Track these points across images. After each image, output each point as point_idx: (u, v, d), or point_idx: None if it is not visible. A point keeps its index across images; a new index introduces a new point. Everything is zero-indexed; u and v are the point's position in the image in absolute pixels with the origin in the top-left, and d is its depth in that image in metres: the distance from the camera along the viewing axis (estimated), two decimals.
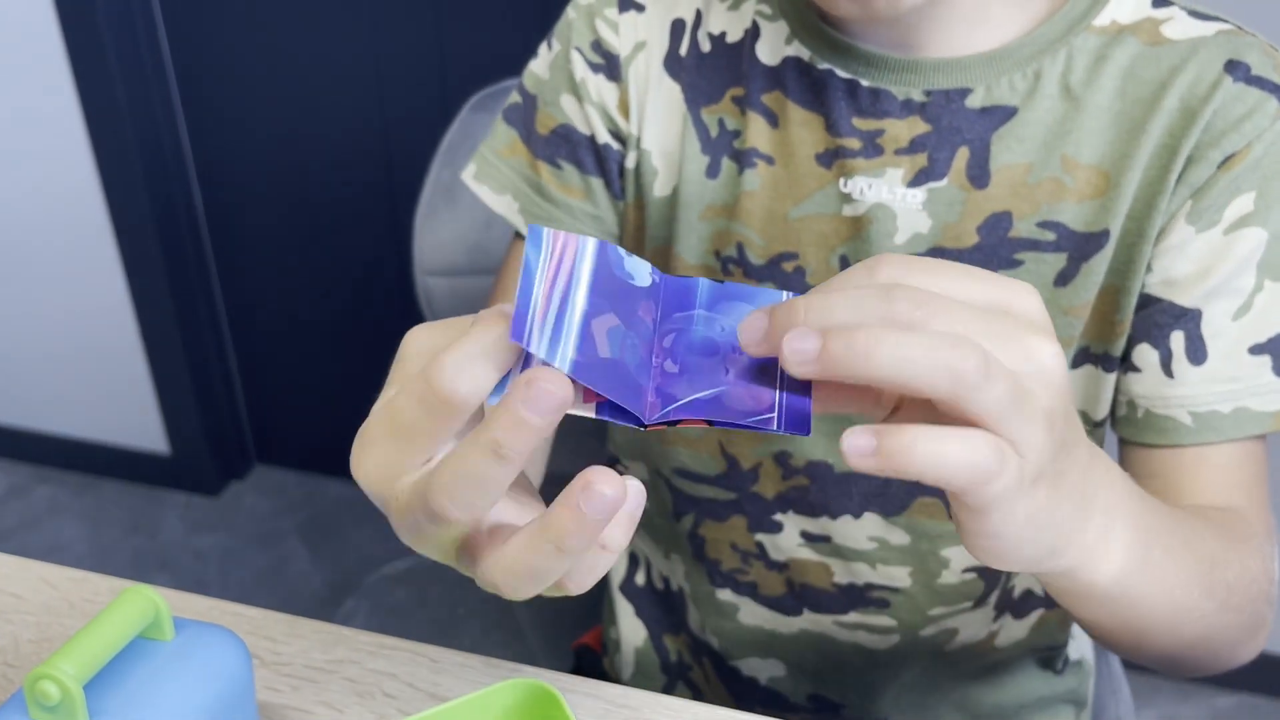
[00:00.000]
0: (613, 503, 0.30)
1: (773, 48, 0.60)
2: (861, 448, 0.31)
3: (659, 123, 0.62)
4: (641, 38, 0.63)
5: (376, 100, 1.53)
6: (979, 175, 0.56)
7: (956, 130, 0.56)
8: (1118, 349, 0.57)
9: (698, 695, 0.74)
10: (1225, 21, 0.56)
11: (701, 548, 0.67)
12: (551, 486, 1.06)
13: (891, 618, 0.64)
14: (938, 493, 0.60)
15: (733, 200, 0.60)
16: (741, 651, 0.68)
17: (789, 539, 0.64)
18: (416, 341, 0.36)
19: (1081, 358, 0.58)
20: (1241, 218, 0.54)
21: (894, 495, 0.61)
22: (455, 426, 0.33)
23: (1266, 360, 0.55)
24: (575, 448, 1.00)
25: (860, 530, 0.62)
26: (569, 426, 0.96)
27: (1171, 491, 0.57)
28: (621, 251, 0.36)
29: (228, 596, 1.68)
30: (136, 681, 0.44)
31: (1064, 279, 0.56)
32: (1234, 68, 0.53)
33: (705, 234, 0.61)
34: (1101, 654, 0.82)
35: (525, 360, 0.33)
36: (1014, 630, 0.66)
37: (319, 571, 1.75)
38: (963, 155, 0.56)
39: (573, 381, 0.32)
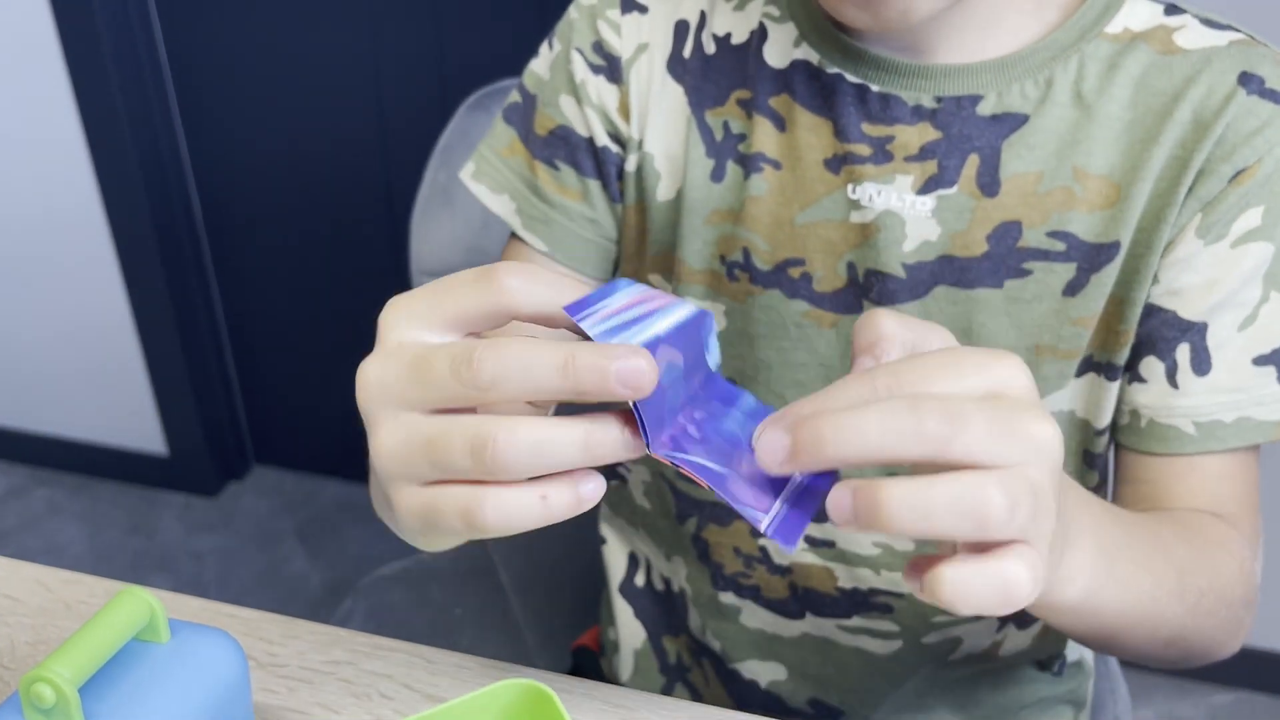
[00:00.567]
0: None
1: (781, 50, 0.59)
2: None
3: (662, 126, 0.61)
4: (644, 39, 0.62)
5: (375, 102, 1.53)
6: (989, 183, 0.55)
7: (967, 137, 0.55)
8: (1121, 358, 0.57)
9: (696, 697, 0.74)
10: (1238, 31, 0.55)
11: (705, 551, 0.67)
12: None
13: (894, 623, 0.64)
14: None
15: (738, 205, 0.60)
16: (742, 654, 0.68)
17: None
18: (396, 310, 0.36)
19: (1085, 366, 0.58)
20: (1249, 231, 0.54)
21: None
22: (495, 320, 0.35)
23: (1271, 371, 0.55)
24: None
25: (865, 535, 0.62)
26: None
27: (1163, 496, 0.57)
28: (714, 325, 0.38)
29: (226, 597, 1.68)
30: (132, 684, 0.44)
31: (1073, 289, 0.56)
32: (1248, 80, 0.53)
33: (710, 239, 0.61)
34: (1100, 655, 0.82)
35: None
36: (1018, 640, 0.66)
37: (317, 572, 1.75)
38: (973, 163, 0.55)
39: None
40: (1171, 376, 0.56)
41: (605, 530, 0.76)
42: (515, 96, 0.66)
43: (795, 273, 0.59)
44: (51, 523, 1.86)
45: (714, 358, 0.38)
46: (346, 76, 1.52)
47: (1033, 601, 0.33)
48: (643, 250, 0.65)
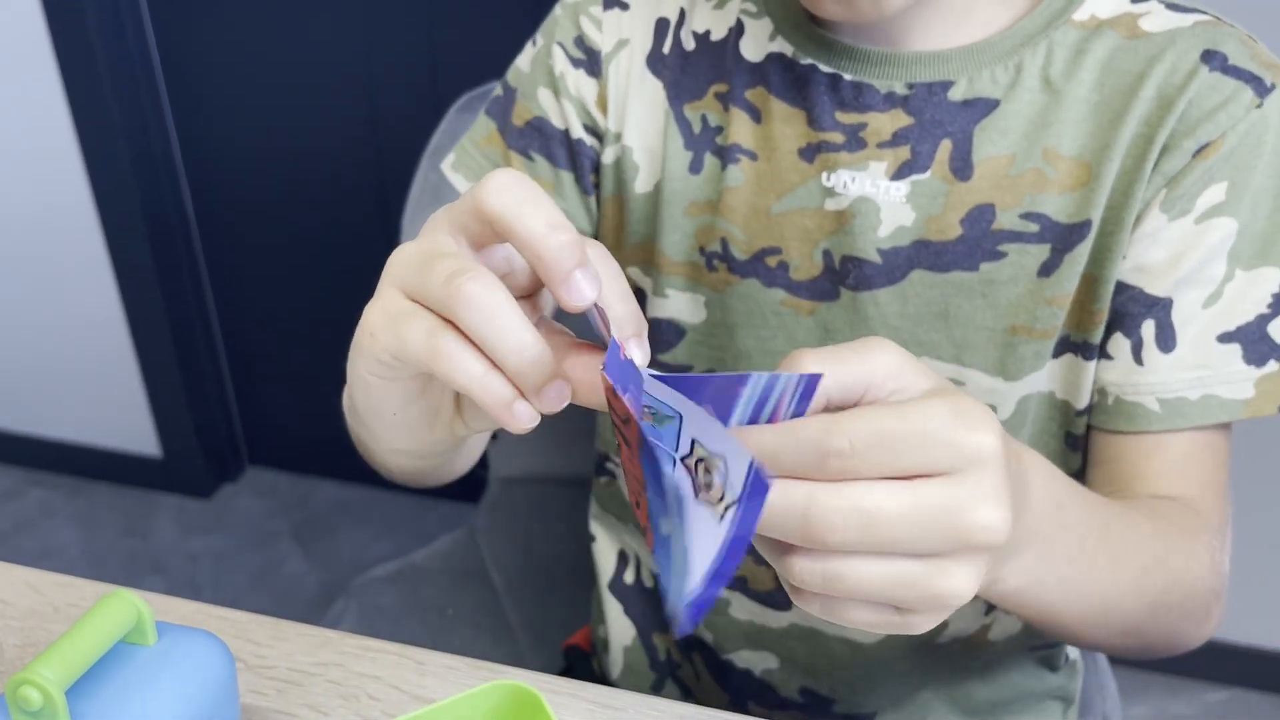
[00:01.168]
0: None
1: (756, 44, 0.60)
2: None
3: (641, 120, 0.63)
4: (624, 35, 0.63)
5: (367, 103, 1.53)
6: (962, 167, 0.56)
7: (939, 123, 0.56)
8: (1096, 337, 0.58)
9: (687, 693, 0.74)
10: (1203, 13, 0.56)
11: None
12: (539, 486, 1.05)
13: None
14: None
15: (716, 196, 0.60)
16: (734, 644, 0.69)
17: None
18: (403, 252, 0.38)
19: (1062, 346, 0.59)
20: (1213, 207, 0.54)
21: None
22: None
23: (1236, 349, 0.55)
24: (566, 448, 1.00)
25: None
26: (560, 427, 0.96)
27: (1131, 477, 0.57)
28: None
29: (221, 599, 1.68)
30: (118, 686, 0.44)
31: (1047, 270, 0.56)
32: (1211, 57, 0.54)
33: (689, 230, 0.62)
34: (1089, 653, 0.82)
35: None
36: (1007, 624, 0.66)
37: (313, 573, 1.75)
38: (945, 147, 0.56)
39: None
40: (1137, 353, 0.56)
41: (595, 528, 0.76)
42: (498, 90, 0.68)
43: (773, 261, 0.60)
44: (45, 525, 1.86)
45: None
46: (339, 77, 1.52)
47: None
48: (621, 242, 0.65)
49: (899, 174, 0.57)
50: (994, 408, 0.59)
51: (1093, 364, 0.58)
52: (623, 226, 0.65)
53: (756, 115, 0.60)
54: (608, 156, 0.64)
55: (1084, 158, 0.55)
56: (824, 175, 0.58)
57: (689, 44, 0.62)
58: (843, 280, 0.58)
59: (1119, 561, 0.47)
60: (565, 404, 0.37)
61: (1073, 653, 0.71)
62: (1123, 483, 0.58)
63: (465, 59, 1.45)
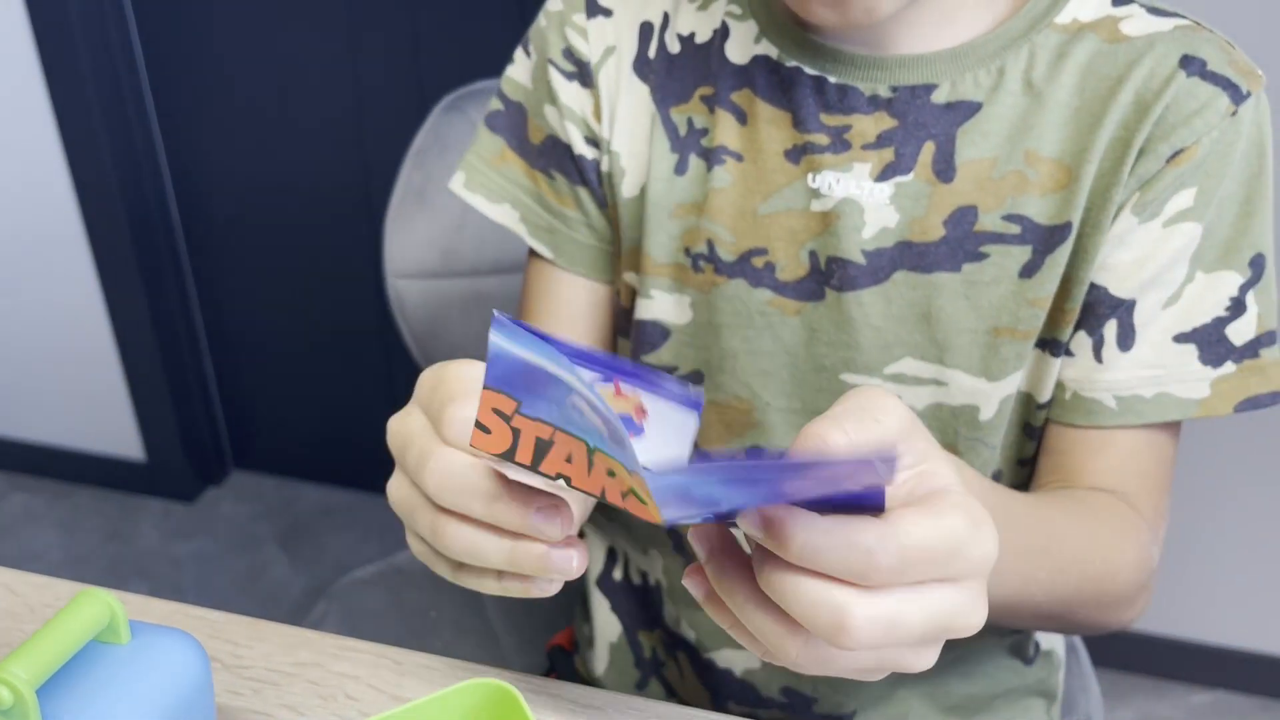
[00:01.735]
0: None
1: (742, 47, 0.60)
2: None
3: (628, 124, 0.63)
4: (610, 43, 0.63)
5: (353, 104, 1.53)
6: (944, 169, 0.56)
7: (922, 125, 0.56)
8: (1065, 335, 0.58)
9: (671, 691, 0.74)
10: (1183, 17, 0.56)
11: (681, 540, 0.68)
12: None
13: None
14: None
15: (702, 197, 0.61)
16: (716, 643, 0.69)
17: None
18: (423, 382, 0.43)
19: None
20: (1180, 212, 0.55)
21: None
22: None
23: (1192, 349, 0.56)
24: None
25: None
26: None
27: (1078, 467, 0.59)
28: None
29: (204, 604, 1.67)
30: (91, 685, 0.44)
31: (1029, 271, 0.57)
32: (1189, 62, 0.54)
33: (675, 232, 0.62)
34: (1071, 650, 0.83)
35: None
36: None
37: (298, 578, 1.74)
38: (929, 150, 0.56)
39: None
40: (1098, 351, 0.57)
41: (585, 525, 0.76)
42: (496, 104, 0.67)
43: (759, 262, 0.60)
44: (28, 529, 1.85)
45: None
46: (324, 82, 1.52)
47: None
48: (620, 249, 0.66)
49: (883, 175, 0.57)
50: (977, 408, 0.59)
51: (1058, 360, 0.59)
52: (619, 232, 0.65)
53: (742, 117, 0.60)
54: (605, 165, 0.64)
55: (1064, 160, 0.55)
56: (809, 177, 0.58)
57: (674, 47, 0.62)
58: (828, 281, 0.59)
59: (1037, 558, 0.49)
60: (584, 561, 0.40)
61: (1045, 643, 0.71)
62: (1068, 472, 0.59)
63: (451, 60, 1.45)
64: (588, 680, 0.77)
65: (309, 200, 1.63)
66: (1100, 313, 0.57)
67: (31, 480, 1.94)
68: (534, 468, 0.36)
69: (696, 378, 0.64)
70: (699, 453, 0.36)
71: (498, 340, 0.34)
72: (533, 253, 0.69)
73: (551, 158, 0.65)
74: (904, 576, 0.33)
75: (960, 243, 0.57)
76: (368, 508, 1.86)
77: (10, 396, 1.87)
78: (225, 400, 1.89)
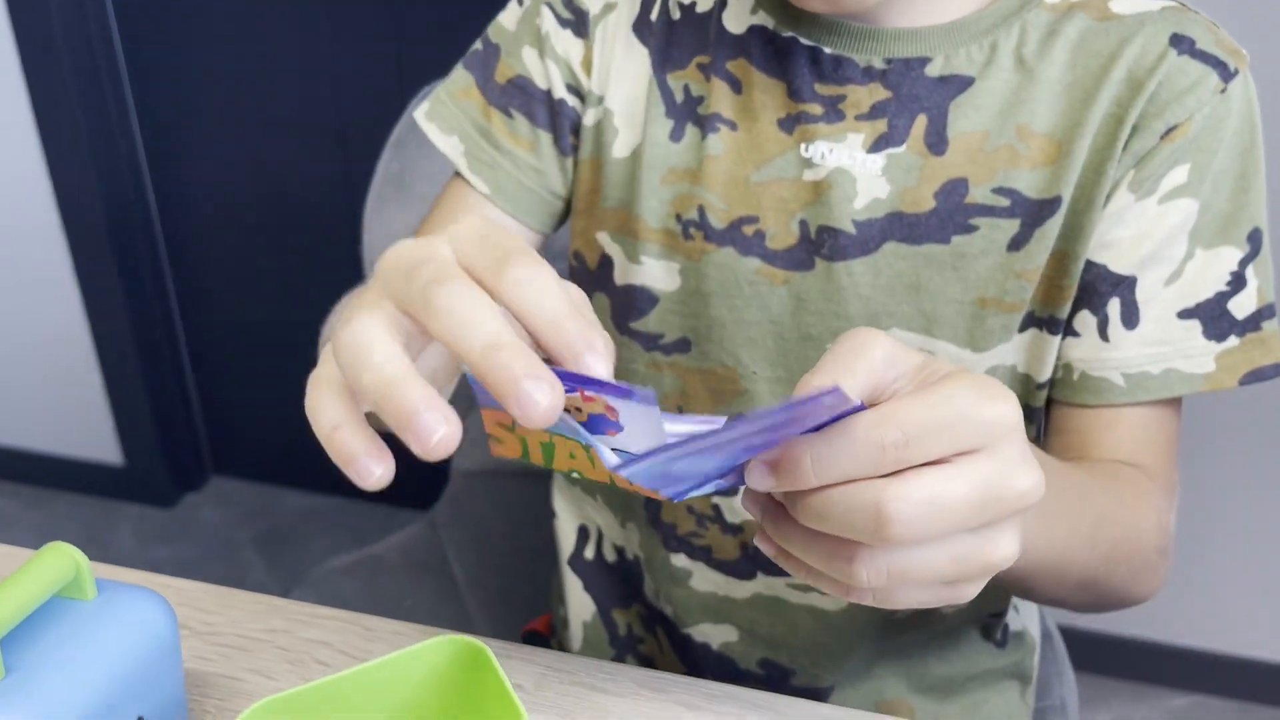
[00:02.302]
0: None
1: (739, 16, 0.61)
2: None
3: (624, 84, 0.63)
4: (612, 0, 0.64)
5: (334, 109, 1.53)
6: (937, 142, 0.57)
7: (915, 98, 0.57)
8: (1063, 313, 0.59)
9: (649, 667, 0.74)
10: None
11: (658, 512, 0.68)
12: (501, 479, 1.04)
13: None
14: None
15: (696, 164, 0.61)
16: (694, 618, 0.68)
17: None
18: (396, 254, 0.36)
19: (1028, 322, 0.60)
20: (1176, 188, 0.56)
21: None
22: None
23: (1196, 325, 0.57)
24: None
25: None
26: None
27: (1089, 445, 0.59)
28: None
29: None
30: (54, 639, 0.43)
31: (1017, 244, 0.57)
32: (1179, 41, 0.55)
33: (667, 197, 0.62)
34: (1047, 637, 0.83)
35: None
36: None
37: (276, 584, 1.72)
38: (921, 122, 0.57)
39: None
40: (1103, 330, 0.58)
41: (557, 503, 0.76)
42: (477, 45, 0.68)
43: (749, 230, 0.60)
44: (3, 534, 1.83)
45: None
46: (306, 78, 1.52)
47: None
48: (594, 205, 0.65)
49: (875, 146, 0.58)
50: None
51: (1057, 339, 0.60)
52: (597, 190, 0.65)
53: (737, 86, 0.60)
54: (589, 118, 0.64)
55: (1055, 135, 0.56)
56: (802, 146, 0.58)
57: (675, 14, 0.63)
58: (818, 250, 0.59)
59: (1078, 516, 0.49)
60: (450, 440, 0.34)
61: (1015, 625, 0.71)
62: (1080, 450, 0.59)
63: (432, 59, 1.45)
64: None
65: (290, 204, 1.63)
66: (1102, 290, 0.58)
67: (7, 485, 1.92)
68: (549, 466, 0.37)
69: (683, 345, 0.64)
70: (675, 416, 0.37)
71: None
72: (454, 185, 0.67)
73: (515, 97, 0.65)
74: (920, 452, 0.32)
75: (950, 215, 0.57)
76: (348, 512, 1.85)
77: None
78: (205, 405, 1.88)
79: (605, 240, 0.65)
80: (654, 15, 0.63)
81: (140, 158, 1.66)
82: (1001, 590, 0.68)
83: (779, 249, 0.60)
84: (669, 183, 0.62)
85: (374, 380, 0.33)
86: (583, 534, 0.75)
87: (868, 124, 0.58)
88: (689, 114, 0.62)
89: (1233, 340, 0.57)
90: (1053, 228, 0.57)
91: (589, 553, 0.75)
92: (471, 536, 0.96)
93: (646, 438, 0.35)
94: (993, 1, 0.57)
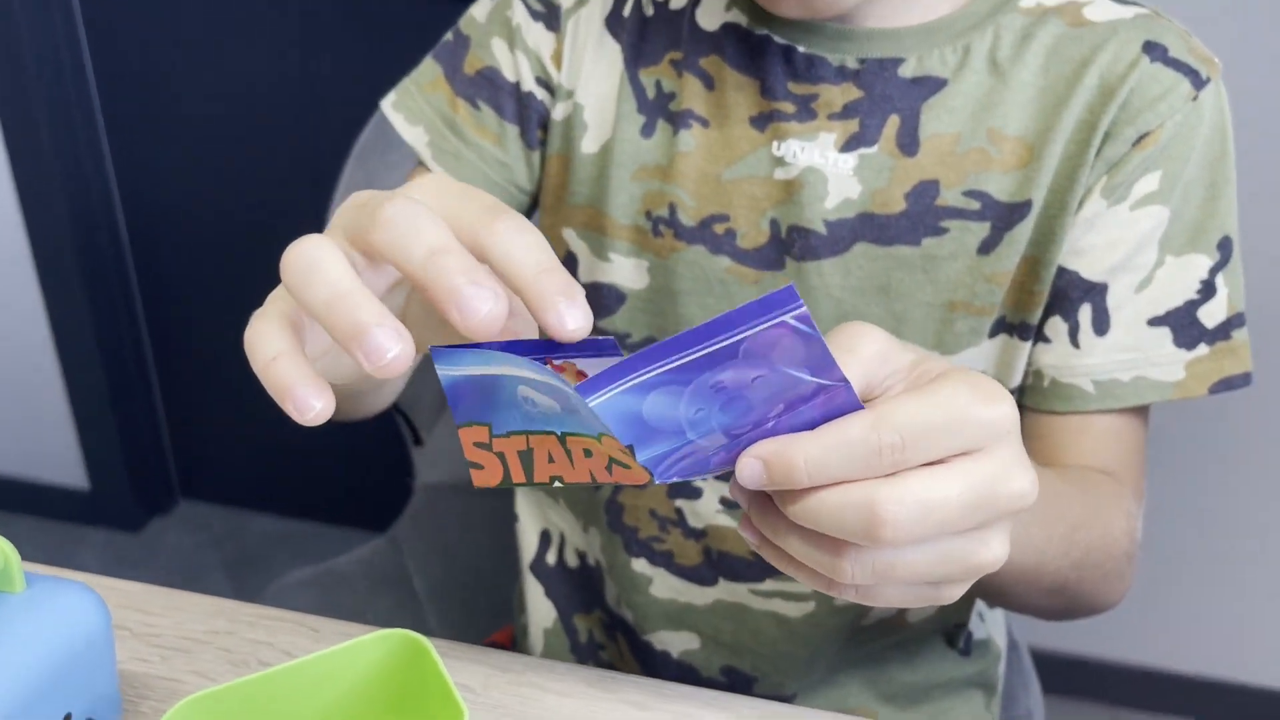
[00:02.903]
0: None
1: (712, 13, 0.61)
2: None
3: (596, 79, 0.63)
4: None
5: (309, 130, 1.53)
6: (909, 143, 0.57)
7: (888, 98, 0.57)
8: (1034, 319, 0.59)
9: None
10: (1142, 6, 0.58)
11: (619, 515, 0.67)
12: (465, 493, 1.02)
13: None
14: None
15: (667, 161, 0.61)
16: (654, 625, 0.67)
17: (708, 505, 0.64)
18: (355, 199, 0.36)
19: (998, 327, 0.60)
20: (1147, 195, 0.56)
21: None
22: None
23: (1166, 332, 0.57)
24: None
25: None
26: None
27: (1058, 451, 0.59)
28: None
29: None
30: None
31: (987, 247, 0.57)
32: (1152, 49, 0.56)
33: (637, 194, 0.62)
34: (1013, 646, 0.82)
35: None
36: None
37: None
38: (893, 123, 0.57)
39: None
40: (1074, 336, 0.58)
41: (519, 507, 0.75)
42: (447, 37, 0.67)
43: (720, 229, 0.60)
44: None
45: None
46: (277, 103, 1.52)
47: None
48: (562, 201, 0.65)
49: (847, 146, 0.57)
50: None
51: (1028, 345, 0.59)
52: (565, 185, 0.65)
53: (709, 83, 0.60)
54: (558, 113, 0.64)
55: (1027, 139, 0.56)
56: (774, 144, 0.58)
57: (649, 10, 0.63)
58: (788, 250, 0.59)
59: (1054, 521, 0.48)
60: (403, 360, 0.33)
61: (979, 633, 0.71)
62: (1050, 456, 0.59)
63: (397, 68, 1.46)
64: None
65: (260, 227, 1.62)
66: (1074, 297, 0.57)
67: None
68: (530, 482, 0.36)
69: (650, 344, 0.63)
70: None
71: (444, 370, 0.34)
72: (418, 176, 0.66)
73: (483, 88, 0.65)
74: (916, 454, 0.32)
75: (921, 217, 0.57)
76: (319, 537, 1.83)
77: None
78: (173, 427, 1.85)
79: (572, 237, 0.65)
80: (626, 10, 0.63)
81: (110, 180, 1.65)
82: (965, 598, 0.67)
83: (749, 248, 0.60)
84: (639, 179, 0.61)
85: (324, 294, 0.32)
86: (545, 539, 0.74)
87: (840, 123, 0.57)
88: (660, 110, 0.61)
89: (1203, 348, 0.57)
90: (1023, 232, 0.57)
91: (550, 558, 0.74)
92: (434, 550, 0.95)
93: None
94: (967, 4, 0.57)
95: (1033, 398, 0.60)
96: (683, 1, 0.62)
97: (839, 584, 0.35)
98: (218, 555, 1.81)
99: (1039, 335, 0.59)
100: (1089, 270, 0.57)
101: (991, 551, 0.34)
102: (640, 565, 0.67)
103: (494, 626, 0.88)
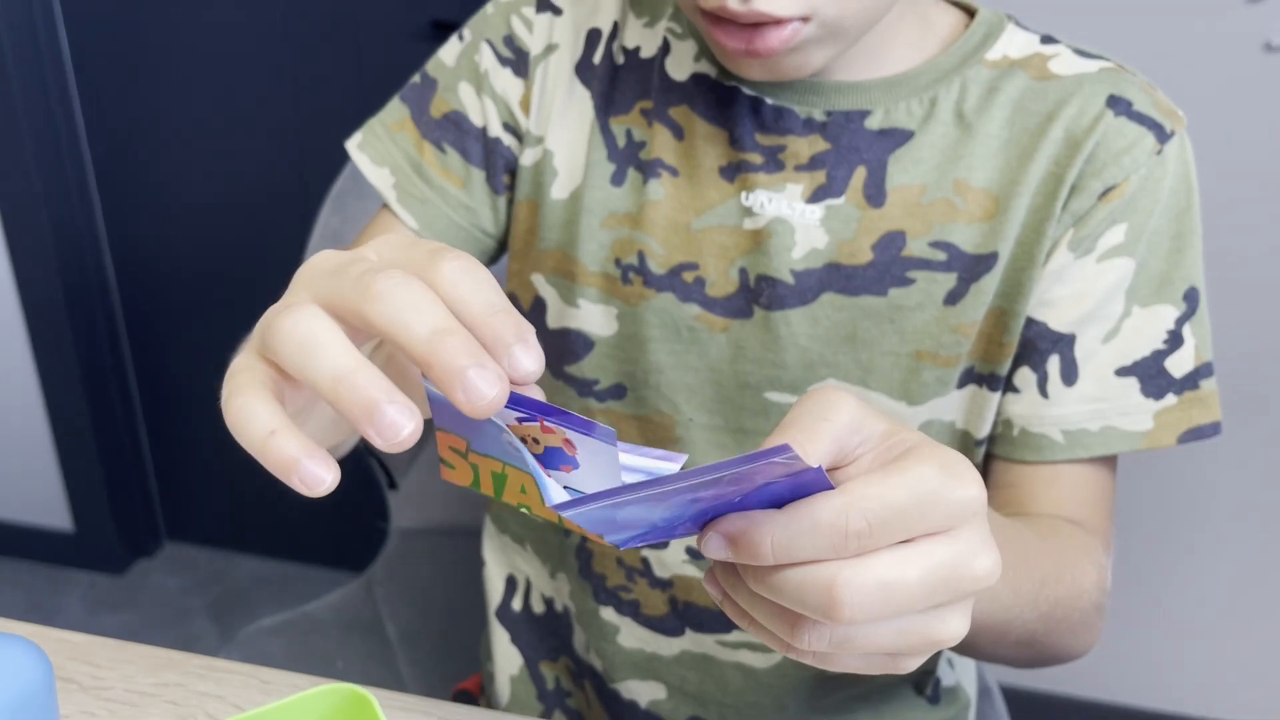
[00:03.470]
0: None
1: (681, 64, 0.61)
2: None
3: (566, 127, 0.63)
4: (555, 40, 0.64)
5: (296, 172, 1.54)
6: (875, 194, 0.57)
7: (855, 149, 0.57)
8: (1003, 369, 0.59)
9: None
10: (1108, 60, 0.59)
11: (588, 562, 0.66)
12: (439, 537, 1.02)
13: None
14: None
15: (637, 209, 0.61)
16: (622, 674, 0.67)
17: (674, 555, 0.63)
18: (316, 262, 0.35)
19: (966, 377, 0.59)
20: (1114, 247, 0.56)
21: None
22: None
23: (1134, 382, 0.57)
24: (467, 499, 0.98)
25: None
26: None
27: (1028, 501, 0.58)
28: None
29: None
30: None
31: (954, 298, 0.57)
32: (1116, 103, 0.56)
33: (606, 241, 0.62)
34: (985, 692, 0.81)
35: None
36: None
37: (226, 651, 1.68)
38: (860, 174, 0.57)
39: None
40: (1042, 386, 0.58)
41: (486, 552, 0.74)
42: (415, 79, 0.68)
43: (689, 277, 0.60)
44: None
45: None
46: (267, 142, 1.53)
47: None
48: (531, 247, 0.65)
49: (814, 197, 0.58)
50: None
51: (997, 396, 0.59)
52: (535, 231, 0.65)
53: (679, 132, 0.61)
54: (527, 159, 0.64)
55: (993, 191, 0.57)
56: (743, 194, 0.59)
57: (619, 58, 0.63)
58: (756, 299, 0.59)
59: (1023, 576, 0.48)
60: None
61: (949, 680, 0.70)
62: (1019, 505, 0.59)
63: None
64: None
65: (247, 269, 1.63)
66: (1042, 348, 0.57)
67: None
68: (498, 499, 0.36)
69: (618, 391, 0.63)
70: (633, 447, 0.36)
71: (430, 386, 0.34)
72: (383, 218, 0.67)
73: (448, 132, 0.65)
74: (883, 538, 0.32)
75: (888, 267, 0.57)
76: (303, 579, 1.81)
77: None
78: (158, 468, 1.85)
79: (540, 282, 0.65)
80: (597, 58, 0.63)
81: (98, 225, 1.66)
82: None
83: (718, 296, 0.60)
84: (609, 226, 0.62)
85: (329, 373, 0.31)
86: (510, 584, 0.73)
87: (807, 174, 0.58)
88: (631, 159, 0.61)
89: (1171, 398, 0.57)
90: (990, 283, 0.57)
91: (516, 604, 0.73)
92: (408, 595, 0.94)
93: (601, 478, 0.34)
94: (933, 58, 0.58)
95: (1002, 447, 0.60)
96: (653, 51, 0.62)
97: (796, 649, 0.35)
98: (202, 597, 1.79)
99: (1008, 385, 0.59)
100: (1057, 321, 0.57)
101: (950, 629, 0.34)
102: (608, 614, 0.66)
103: (465, 673, 0.87)
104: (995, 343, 0.58)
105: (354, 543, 1.68)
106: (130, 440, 1.80)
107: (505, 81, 0.64)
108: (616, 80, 0.63)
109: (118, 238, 1.67)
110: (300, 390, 0.35)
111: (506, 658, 0.73)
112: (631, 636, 0.66)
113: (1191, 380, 0.57)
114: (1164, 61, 1.13)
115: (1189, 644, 1.42)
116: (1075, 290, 0.56)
